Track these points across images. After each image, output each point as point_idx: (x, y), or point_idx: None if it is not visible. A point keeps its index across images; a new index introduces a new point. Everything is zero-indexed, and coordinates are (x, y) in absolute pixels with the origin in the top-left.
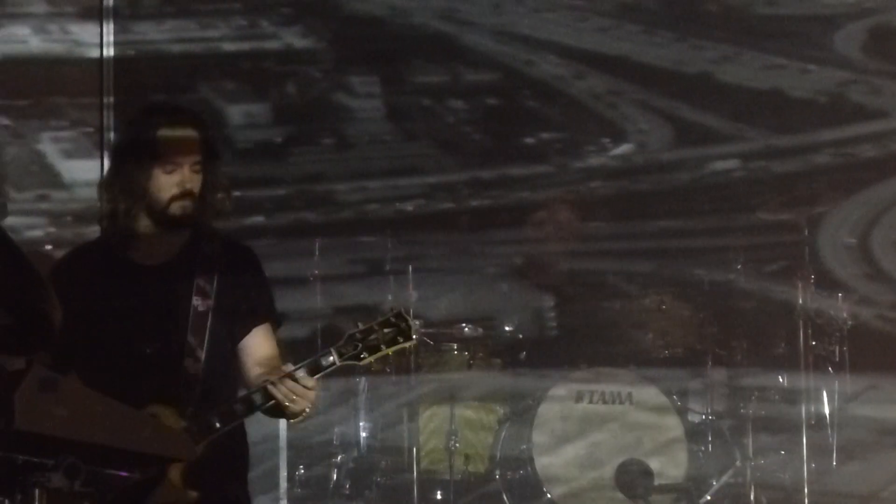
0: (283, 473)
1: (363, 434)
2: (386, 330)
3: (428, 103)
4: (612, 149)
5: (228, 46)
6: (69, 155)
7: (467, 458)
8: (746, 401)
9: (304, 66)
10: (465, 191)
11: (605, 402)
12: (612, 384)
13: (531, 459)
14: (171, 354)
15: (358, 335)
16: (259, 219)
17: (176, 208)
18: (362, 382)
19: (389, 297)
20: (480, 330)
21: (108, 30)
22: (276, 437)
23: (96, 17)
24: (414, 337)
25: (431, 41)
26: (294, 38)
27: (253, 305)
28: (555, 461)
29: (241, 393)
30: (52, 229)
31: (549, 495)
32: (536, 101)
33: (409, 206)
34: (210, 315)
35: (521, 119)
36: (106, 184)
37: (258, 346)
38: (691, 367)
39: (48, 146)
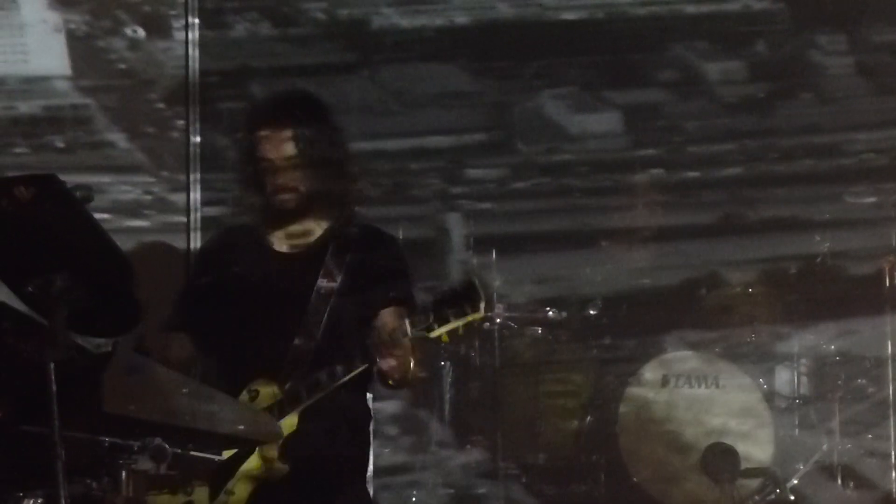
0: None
1: (447, 416)
2: (456, 301)
3: (889, 60)
4: None
5: (690, 9)
6: (574, 109)
7: (551, 442)
8: None
9: (767, 27)
10: None
11: (690, 386)
12: (699, 367)
13: (617, 443)
14: (286, 334)
15: (431, 306)
16: (761, 166)
17: (277, 202)
18: (447, 367)
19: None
20: (564, 313)
21: None
22: None
23: None
24: (482, 309)
25: (882, 2)
26: (752, 1)
27: (385, 288)
28: (640, 445)
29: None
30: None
31: (634, 479)
32: None
33: None
34: (333, 296)
35: None
36: (238, 179)
37: (384, 325)
38: None
39: (548, 102)
